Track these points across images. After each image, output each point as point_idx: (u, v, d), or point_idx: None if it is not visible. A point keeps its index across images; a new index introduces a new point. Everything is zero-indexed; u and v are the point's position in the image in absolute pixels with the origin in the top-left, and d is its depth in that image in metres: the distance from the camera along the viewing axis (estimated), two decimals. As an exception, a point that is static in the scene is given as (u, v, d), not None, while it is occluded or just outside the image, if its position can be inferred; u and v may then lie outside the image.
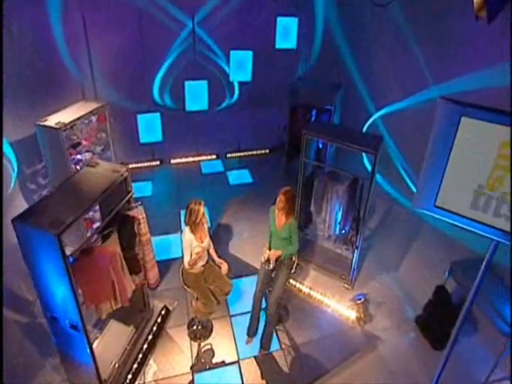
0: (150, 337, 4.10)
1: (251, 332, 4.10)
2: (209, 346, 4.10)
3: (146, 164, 7.33)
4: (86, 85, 6.55)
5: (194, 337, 4.17)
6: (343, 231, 4.69)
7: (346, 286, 4.83)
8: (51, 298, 2.97)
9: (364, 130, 6.73)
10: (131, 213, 3.39)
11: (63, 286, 2.80)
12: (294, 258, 3.97)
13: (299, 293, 4.75)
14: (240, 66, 6.74)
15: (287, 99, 6.74)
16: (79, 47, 6.27)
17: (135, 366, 3.82)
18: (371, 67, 6.51)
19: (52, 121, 4.51)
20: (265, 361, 3.95)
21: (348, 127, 4.61)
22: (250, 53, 6.58)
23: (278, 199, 3.70)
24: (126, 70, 6.92)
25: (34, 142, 4.65)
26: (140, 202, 3.63)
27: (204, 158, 7.63)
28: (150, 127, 6.77)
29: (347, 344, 4.16)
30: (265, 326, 3.96)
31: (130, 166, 7.19)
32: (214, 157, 7.68)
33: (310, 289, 4.73)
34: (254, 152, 7.85)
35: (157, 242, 5.41)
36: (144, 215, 3.52)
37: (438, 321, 4.03)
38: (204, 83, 6.69)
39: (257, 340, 4.06)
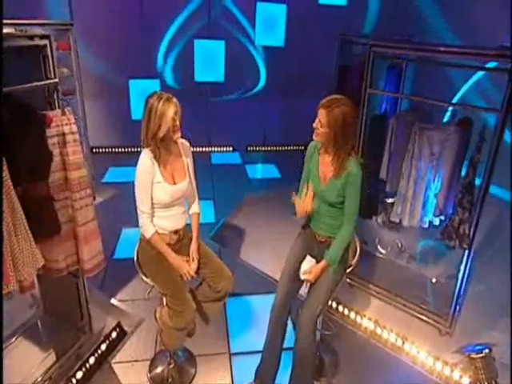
0: (80, 374, 2.13)
1: (262, 376, 2.05)
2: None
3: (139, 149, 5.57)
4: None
5: (160, 384, 2.05)
6: (441, 216, 2.54)
7: (441, 327, 2.59)
8: None
9: (454, 100, 4.60)
10: (48, 112, 1.59)
11: None
12: (356, 242, 1.94)
13: (357, 329, 2.55)
14: (269, 26, 5.17)
15: (335, 56, 4.91)
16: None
17: None
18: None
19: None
20: None
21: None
22: (284, 7, 5.06)
23: (315, 123, 1.75)
24: (117, 17, 5.04)
25: None
26: (68, 103, 1.87)
27: (216, 149, 5.82)
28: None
29: None
30: (292, 372, 1.95)
31: (120, 150, 5.50)
32: (229, 149, 5.87)
33: (376, 323, 2.52)
34: (284, 148, 5.98)
35: (132, 234, 3.54)
36: (75, 129, 1.77)
37: None
38: (221, 43, 5.13)
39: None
